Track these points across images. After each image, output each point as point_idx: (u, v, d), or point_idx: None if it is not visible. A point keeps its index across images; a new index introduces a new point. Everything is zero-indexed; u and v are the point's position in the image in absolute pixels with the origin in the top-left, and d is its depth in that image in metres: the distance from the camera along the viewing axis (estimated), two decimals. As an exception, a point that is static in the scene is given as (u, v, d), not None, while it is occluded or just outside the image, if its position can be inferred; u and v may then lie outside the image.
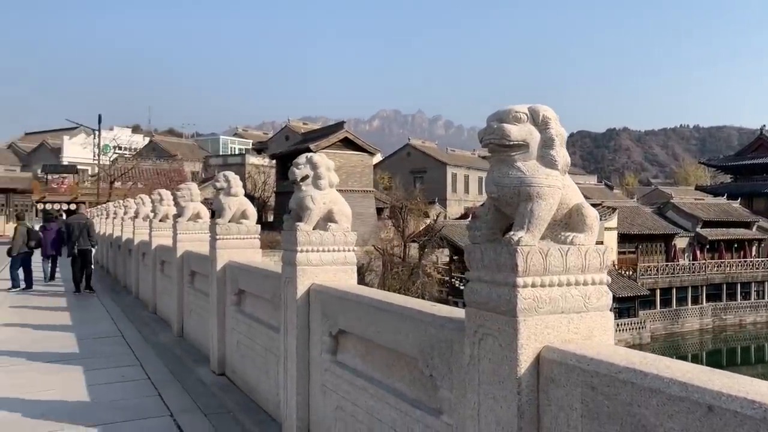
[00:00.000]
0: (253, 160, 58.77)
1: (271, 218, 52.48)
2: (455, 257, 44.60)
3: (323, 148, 44.13)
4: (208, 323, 7.06)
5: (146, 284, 12.13)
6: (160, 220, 11.21)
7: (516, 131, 2.51)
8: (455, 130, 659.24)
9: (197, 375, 6.77)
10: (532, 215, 2.46)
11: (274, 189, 53.70)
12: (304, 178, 4.65)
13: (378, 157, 62.14)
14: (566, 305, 2.48)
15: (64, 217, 48.24)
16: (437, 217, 45.08)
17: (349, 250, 4.76)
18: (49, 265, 17.09)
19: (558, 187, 2.52)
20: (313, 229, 4.58)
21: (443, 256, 45.67)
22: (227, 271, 6.68)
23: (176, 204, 9.25)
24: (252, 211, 7.09)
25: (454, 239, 44.20)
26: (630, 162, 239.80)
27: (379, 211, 50.19)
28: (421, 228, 48.36)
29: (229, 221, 6.92)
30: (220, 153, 70.15)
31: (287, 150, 52.83)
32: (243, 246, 6.88)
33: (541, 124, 2.56)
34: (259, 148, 70.49)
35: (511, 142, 2.49)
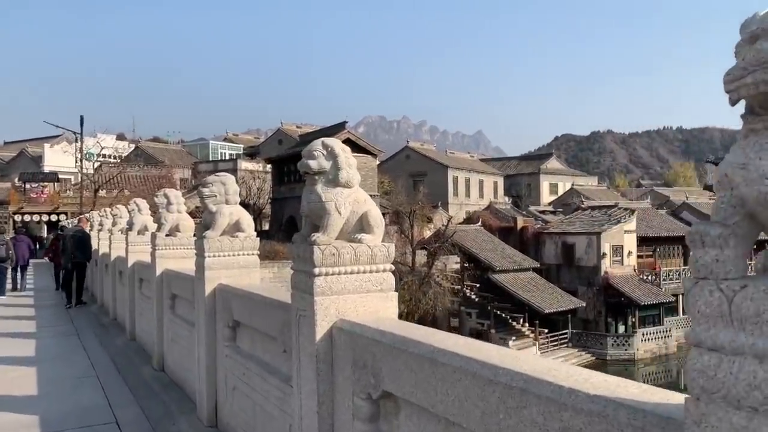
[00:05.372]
0: (246, 165, 55.54)
1: (266, 227, 49.59)
2: (468, 264, 41.79)
3: (324, 151, 41.12)
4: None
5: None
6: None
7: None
8: (440, 135, 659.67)
9: None
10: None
11: (270, 195, 50.71)
12: (320, 172, 3.41)
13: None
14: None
15: (45, 228, 44.77)
16: (448, 222, 42.09)
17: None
18: (18, 275, 18.69)
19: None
20: (337, 239, 3.38)
21: (451, 263, 42.90)
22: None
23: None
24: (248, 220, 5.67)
25: (466, 245, 41.35)
26: (615, 164, 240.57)
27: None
28: (425, 234, 45.59)
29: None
30: (210, 158, 66.74)
31: (285, 153, 49.72)
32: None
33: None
34: (251, 153, 67.37)
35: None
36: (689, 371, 1.31)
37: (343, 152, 3.27)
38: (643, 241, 45.09)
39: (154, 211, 9.07)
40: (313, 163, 3.24)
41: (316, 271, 3.12)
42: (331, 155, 3.25)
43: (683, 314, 44.99)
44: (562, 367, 1.85)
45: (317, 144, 3.27)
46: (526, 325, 38.72)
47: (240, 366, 4.73)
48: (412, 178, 62.96)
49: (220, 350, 5.26)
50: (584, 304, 40.48)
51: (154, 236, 8.06)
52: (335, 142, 3.30)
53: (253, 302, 4.48)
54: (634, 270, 43.44)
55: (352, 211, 3.26)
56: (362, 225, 3.30)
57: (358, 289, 3.19)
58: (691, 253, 1.37)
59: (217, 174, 5.56)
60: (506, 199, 67.70)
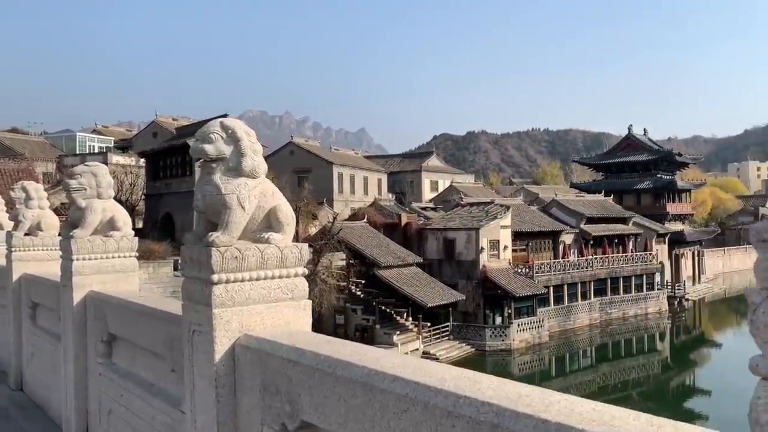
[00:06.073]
0: (117, 159, 52.08)
1: (140, 224, 46.81)
2: (353, 261, 41.74)
3: (203, 145, 39.40)
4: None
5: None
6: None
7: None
8: (324, 132, 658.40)
9: None
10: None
11: (144, 191, 47.93)
12: (219, 159, 2.84)
13: (260, 156, 57.58)
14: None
15: None
16: (334, 218, 41.83)
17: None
18: None
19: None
20: (240, 239, 2.85)
21: (336, 260, 42.67)
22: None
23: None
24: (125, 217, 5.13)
25: (352, 242, 41.27)
26: (489, 163, 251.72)
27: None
28: (310, 231, 45.04)
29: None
30: (77, 152, 61.86)
31: (160, 147, 47.15)
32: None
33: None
34: (123, 147, 63.39)
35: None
36: (759, 410, 1.03)
37: (248, 136, 2.77)
38: (517, 236, 47.30)
39: (11, 207, 8.00)
40: (209, 148, 2.71)
41: (215, 278, 2.64)
42: (233, 139, 2.75)
43: (554, 305, 47.78)
44: (534, 392, 1.55)
45: (215, 125, 2.74)
46: (410, 319, 39.35)
47: (117, 386, 4.11)
48: (296, 175, 61.90)
49: (92, 367, 4.58)
50: (464, 298, 41.81)
51: (9, 236, 7.05)
52: (237, 124, 2.79)
53: (133, 313, 3.89)
54: (510, 263, 45.46)
55: (258, 206, 2.79)
56: (270, 222, 2.84)
57: (265, 298, 2.74)
58: (756, 257, 1.10)
59: (87, 164, 4.85)
60: (390, 196, 68.54)
